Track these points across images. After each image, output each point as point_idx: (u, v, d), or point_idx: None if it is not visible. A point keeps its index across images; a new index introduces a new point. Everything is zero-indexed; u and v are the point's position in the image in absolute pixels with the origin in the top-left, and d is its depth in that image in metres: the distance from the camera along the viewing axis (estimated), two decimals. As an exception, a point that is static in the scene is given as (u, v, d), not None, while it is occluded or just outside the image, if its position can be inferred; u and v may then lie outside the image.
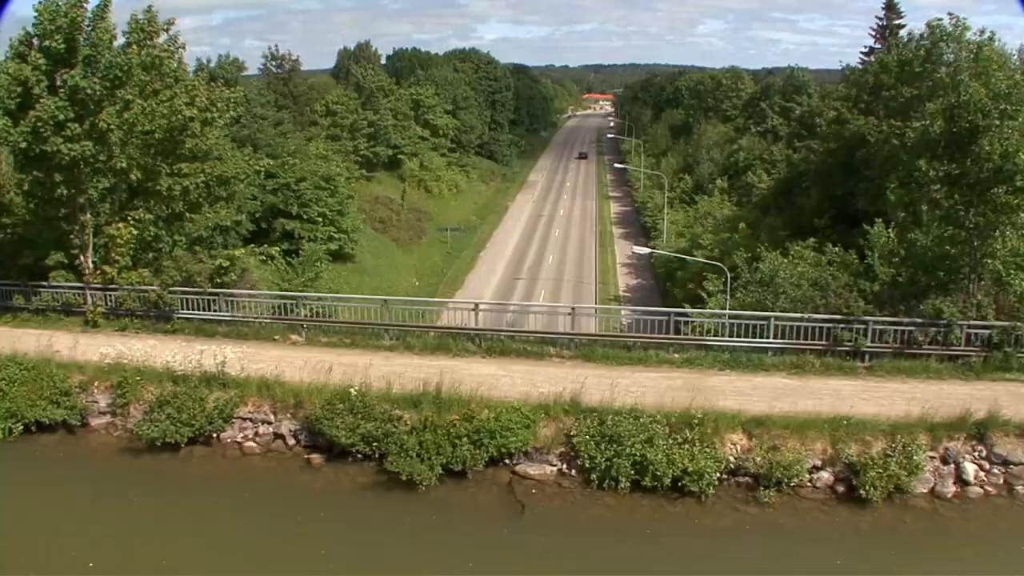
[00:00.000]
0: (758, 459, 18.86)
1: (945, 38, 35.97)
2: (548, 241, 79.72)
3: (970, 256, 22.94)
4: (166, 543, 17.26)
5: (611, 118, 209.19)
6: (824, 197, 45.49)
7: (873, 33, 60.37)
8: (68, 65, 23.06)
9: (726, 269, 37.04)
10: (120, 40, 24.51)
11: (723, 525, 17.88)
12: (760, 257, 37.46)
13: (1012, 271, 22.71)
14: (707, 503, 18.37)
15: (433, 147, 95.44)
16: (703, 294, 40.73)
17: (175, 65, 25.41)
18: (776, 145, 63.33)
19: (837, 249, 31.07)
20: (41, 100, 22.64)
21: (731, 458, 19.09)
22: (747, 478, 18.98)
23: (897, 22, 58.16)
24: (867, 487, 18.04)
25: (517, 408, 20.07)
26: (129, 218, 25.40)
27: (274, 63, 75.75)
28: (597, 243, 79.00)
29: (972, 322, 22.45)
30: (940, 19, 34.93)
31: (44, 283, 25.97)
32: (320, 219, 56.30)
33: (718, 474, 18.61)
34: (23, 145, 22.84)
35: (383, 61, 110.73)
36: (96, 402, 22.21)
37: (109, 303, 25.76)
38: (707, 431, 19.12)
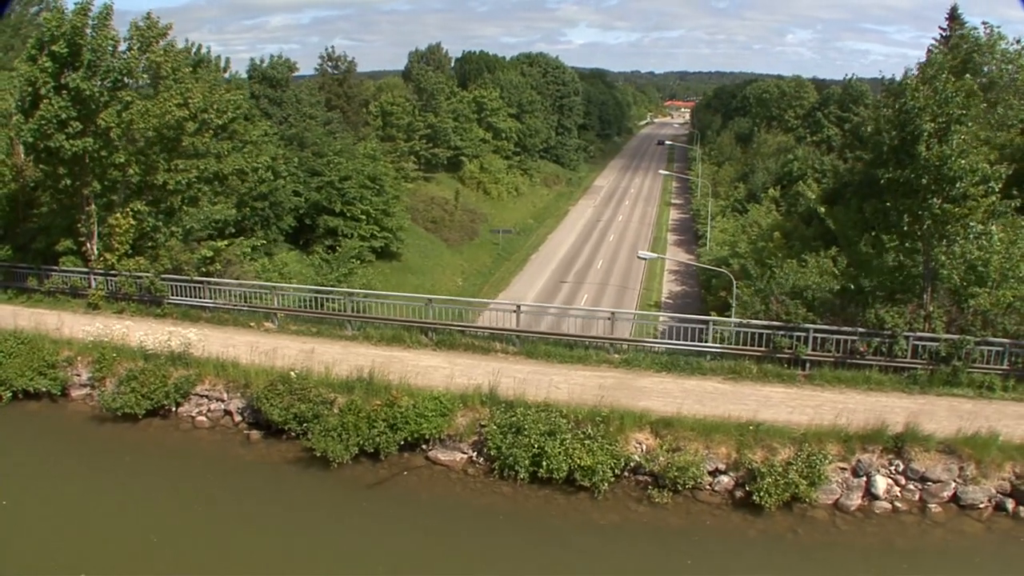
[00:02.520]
0: (661, 459, 19.02)
1: (979, 49, 34.69)
2: (601, 246, 79.66)
3: (925, 267, 22.21)
4: (101, 498, 19.28)
5: (687, 125, 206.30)
6: (859, 209, 43.98)
7: (936, 44, 57.61)
8: (72, 68, 25.44)
9: (732, 277, 36.69)
10: (124, 45, 26.77)
11: (609, 521, 18.13)
12: (774, 266, 36.90)
13: (968, 285, 21.89)
14: (599, 498, 18.67)
15: (495, 149, 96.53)
16: (731, 301, 40.39)
17: (171, 68, 27.47)
18: (829, 156, 61.32)
19: (826, 259, 30.26)
20: (47, 100, 25.11)
21: (635, 456, 19.31)
22: (647, 477, 19.15)
23: (960, 32, 55.27)
24: (761, 493, 17.94)
25: (436, 397, 20.88)
26: (129, 210, 27.67)
27: (330, 64, 78.51)
28: (649, 249, 78.37)
29: (919, 334, 21.75)
30: (975, 29, 33.85)
31: (55, 267, 28.56)
32: (364, 217, 58.18)
33: (614, 471, 18.89)
34: (30, 140, 25.36)
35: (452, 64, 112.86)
36: (79, 375, 24.34)
37: (110, 287, 28.09)
38: (611, 429, 19.42)
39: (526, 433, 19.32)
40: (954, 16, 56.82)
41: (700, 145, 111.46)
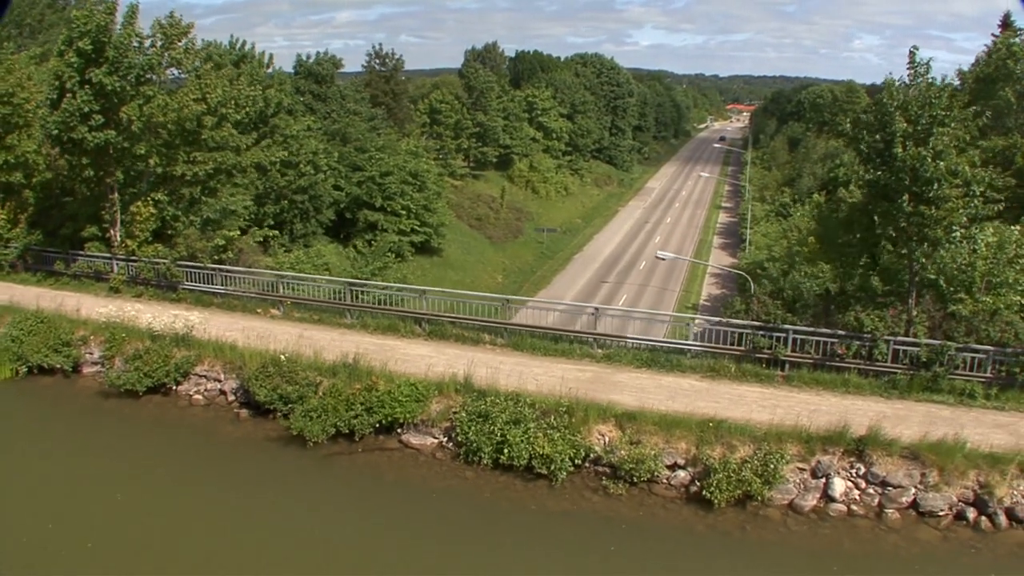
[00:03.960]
0: (620, 451, 19.29)
1: (1013, 56, 33.78)
2: (646, 248, 79.43)
3: (909, 271, 21.87)
4: (87, 462, 20.69)
5: (746, 129, 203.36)
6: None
7: (989, 50, 55.71)
8: (96, 64, 27.03)
9: (750, 279, 36.52)
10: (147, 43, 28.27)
11: (561, 508, 18.47)
12: (795, 269, 36.63)
13: (953, 290, 21.48)
14: (556, 486, 19.04)
15: (545, 149, 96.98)
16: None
17: (193, 64, 28.90)
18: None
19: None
20: (70, 94, 26.75)
21: (596, 448, 19.61)
22: (606, 468, 19.43)
23: (1014, 40, 53.32)
24: (712, 489, 18.03)
25: (413, 384, 21.56)
26: (150, 199, 29.20)
27: (377, 61, 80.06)
28: (692, 252, 77.85)
29: (900, 338, 21.43)
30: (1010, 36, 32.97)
31: (80, 252, 30.31)
32: (404, 212, 59.31)
33: (574, 461, 19.24)
34: (55, 132, 27.07)
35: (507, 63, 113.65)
36: (91, 353, 25.85)
37: (130, 272, 29.68)
38: (574, 420, 19.77)
39: (492, 420, 19.84)
40: (1007, 23, 55.00)
41: (753, 149, 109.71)
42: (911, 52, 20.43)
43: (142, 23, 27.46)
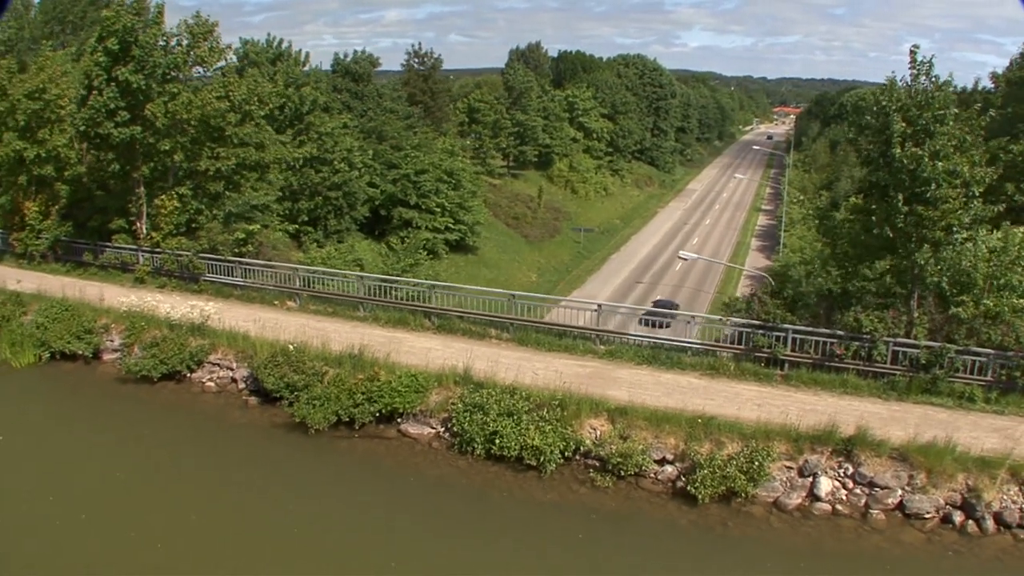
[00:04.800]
0: (611, 446, 19.53)
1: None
2: (683, 249, 79.03)
3: (911, 272, 21.68)
4: (96, 440, 21.83)
5: (791, 132, 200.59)
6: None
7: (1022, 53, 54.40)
8: (123, 63, 28.13)
9: (771, 280, 36.32)
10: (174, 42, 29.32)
11: (548, 499, 18.80)
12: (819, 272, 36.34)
13: (956, 292, 21.23)
14: (545, 478, 19.38)
15: (586, 149, 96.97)
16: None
17: (217, 63, 29.91)
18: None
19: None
20: (97, 91, 27.90)
21: (587, 441, 19.89)
22: (595, 461, 19.69)
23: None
24: (696, 485, 18.18)
25: (414, 375, 22.09)
26: (174, 192, 30.27)
27: (416, 60, 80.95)
28: (729, 254, 77.31)
29: (900, 340, 21.26)
30: None
31: (108, 244, 31.52)
32: (439, 210, 59.95)
33: (564, 453, 19.55)
34: (82, 128, 28.25)
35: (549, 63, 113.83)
36: (112, 341, 26.90)
37: (155, 263, 30.78)
38: (566, 413, 20.07)
39: (486, 412, 20.25)
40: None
41: (795, 151, 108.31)
42: (911, 51, 20.26)
43: (191, 19, 28.65)
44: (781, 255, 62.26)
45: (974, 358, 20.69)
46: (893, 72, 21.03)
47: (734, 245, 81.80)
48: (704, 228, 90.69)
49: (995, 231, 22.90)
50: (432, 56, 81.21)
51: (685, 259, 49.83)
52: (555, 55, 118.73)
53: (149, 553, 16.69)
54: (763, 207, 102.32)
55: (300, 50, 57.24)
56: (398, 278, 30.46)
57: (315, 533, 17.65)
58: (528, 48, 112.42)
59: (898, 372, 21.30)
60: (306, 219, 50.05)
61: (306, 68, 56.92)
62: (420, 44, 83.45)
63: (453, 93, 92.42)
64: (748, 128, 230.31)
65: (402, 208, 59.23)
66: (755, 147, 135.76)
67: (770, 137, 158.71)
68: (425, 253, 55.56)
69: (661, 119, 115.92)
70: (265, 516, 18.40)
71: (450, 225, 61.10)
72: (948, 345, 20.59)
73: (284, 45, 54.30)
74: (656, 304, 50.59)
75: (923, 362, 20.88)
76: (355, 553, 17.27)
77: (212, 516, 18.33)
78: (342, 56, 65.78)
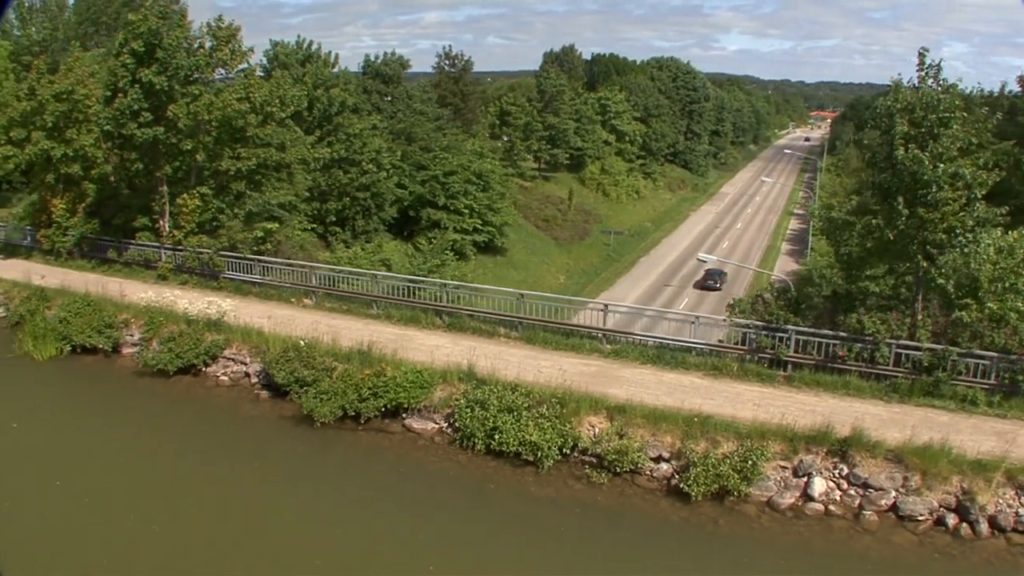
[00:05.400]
0: (608, 443, 19.76)
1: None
2: (713, 253, 78.47)
3: (915, 275, 21.60)
4: (108, 430, 22.69)
5: (827, 136, 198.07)
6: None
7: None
8: (147, 65, 29.03)
9: (789, 282, 36.22)
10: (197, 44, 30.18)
11: (544, 494, 19.10)
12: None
13: (961, 295, 21.10)
14: (542, 473, 19.67)
15: (618, 152, 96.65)
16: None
17: (240, 65, 30.73)
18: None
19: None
20: (122, 93, 28.83)
21: (585, 438, 20.14)
22: (592, 458, 19.94)
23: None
24: (689, 483, 18.34)
25: (419, 371, 22.53)
26: (196, 192, 31.13)
27: (447, 62, 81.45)
28: (759, 257, 76.71)
29: (903, 342, 21.18)
30: None
31: (132, 241, 32.49)
32: (467, 211, 60.23)
33: (562, 449, 19.83)
34: (107, 128, 29.20)
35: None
36: (131, 335, 27.74)
37: (176, 261, 31.67)
38: (565, 410, 20.35)
39: (487, 408, 20.62)
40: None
41: (829, 155, 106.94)
42: (920, 54, 20.22)
43: (213, 22, 29.55)
44: (809, 259, 61.70)
45: (977, 361, 20.58)
46: (899, 74, 20.94)
47: (765, 249, 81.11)
48: (735, 232, 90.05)
49: (1009, 232, 22.62)
50: (463, 58, 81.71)
51: (704, 261, 49.68)
52: (588, 58, 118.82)
53: (155, 539, 17.31)
54: (795, 211, 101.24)
55: (330, 52, 57.86)
56: (411, 277, 30.94)
57: (317, 522, 18.13)
58: (562, 51, 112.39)
59: (900, 374, 21.25)
60: (334, 219, 50.80)
61: (335, 69, 57.71)
62: (451, 46, 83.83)
63: (488, 95, 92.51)
64: (784, 132, 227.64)
65: (430, 209, 59.51)
66: (787, 151, 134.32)
67: (807, 140, 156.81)
68: (452, 254, 55.98)
69: (695, 122, 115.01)
70: (269, 505, 18.94)
71: (478, 226, 61.20)
72: (951, 348, 20.50)
73: (314, 47, 55.09)
74: (707, 273, 63.48)
75: (926, 364, 20.81)
76: (353, 542, 17.71)
77: (218, 503, 18.94)
78: (372, 58, 66.54)
